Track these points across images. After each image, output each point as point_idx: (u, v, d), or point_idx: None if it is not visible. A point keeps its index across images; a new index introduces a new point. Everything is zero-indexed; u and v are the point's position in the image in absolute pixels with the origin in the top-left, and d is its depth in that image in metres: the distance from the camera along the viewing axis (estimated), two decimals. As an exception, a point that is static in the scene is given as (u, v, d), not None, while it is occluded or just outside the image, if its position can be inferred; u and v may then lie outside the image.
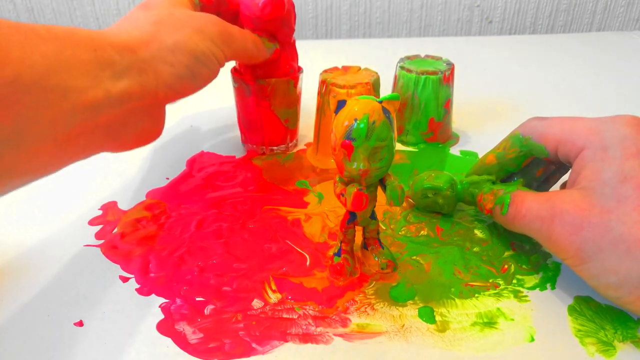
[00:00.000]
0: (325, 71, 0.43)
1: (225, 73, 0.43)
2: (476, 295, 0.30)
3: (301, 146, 0.46)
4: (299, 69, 0.43)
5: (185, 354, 0.26)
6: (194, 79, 0.31)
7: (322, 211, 0.37)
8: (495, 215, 0.32)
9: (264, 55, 0.39)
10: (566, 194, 0.28)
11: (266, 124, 0.43)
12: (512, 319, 0.28)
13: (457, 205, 0.37)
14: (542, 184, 0.35)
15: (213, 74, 0.33)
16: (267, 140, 0.44)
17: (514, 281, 0.31)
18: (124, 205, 0.38)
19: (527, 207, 0.29)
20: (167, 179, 0.41)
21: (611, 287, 0.26)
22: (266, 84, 0.40)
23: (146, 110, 0.30)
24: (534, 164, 0.34)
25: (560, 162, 0.32)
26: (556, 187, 0.35)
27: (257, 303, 0.29)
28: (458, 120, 0.50)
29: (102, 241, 0.34)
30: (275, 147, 0.44)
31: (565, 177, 0.33)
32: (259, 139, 0.44)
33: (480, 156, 0.44)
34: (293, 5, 0.39)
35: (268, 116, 0.42)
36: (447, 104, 0.45)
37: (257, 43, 0.37)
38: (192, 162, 0.44)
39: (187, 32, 0.31)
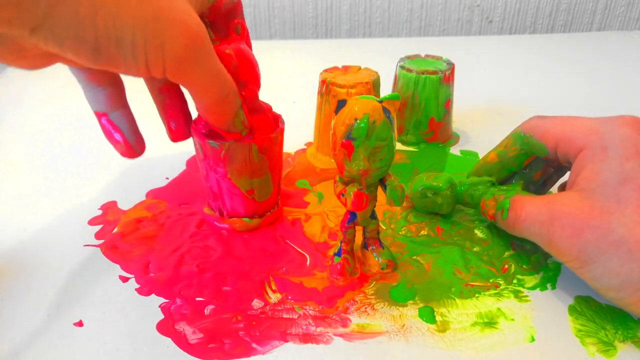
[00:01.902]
0: (325, 71, 0.43)
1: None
2: (476, 295, 0.30)
3: (301, 146, 0.46)
4: (272, 132, 0.32)
5: (185, 354, 0.26)
6: (94, 58, 0.22)
7: (322, 211, 0.37)
8: (497, 220, 0.32)
9: (225, 120, 0.29)
10: (565, 196, 0.28)
11: (225, 193, 0.34)
12: (513, 319, 0.28)
13: (457, 206, 0.37)
14: (540, 187, 0.35)
15: (125, 72, 0.24)
16: (227, 211, 0.35)
17: (515, 281, 0.31)
18: (124, 205, 0.38)
19: (527, 211, 0.29)
20: (167, 179, 0.41)
21: (613, 289, 0.26)
22: (219, 147, 0.31)
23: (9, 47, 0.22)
24: (533, 166, 0.34)
25: (558, 164, 0.32)
26: (554, 188, 0.35)
27: (257, 303, 0.29)
28: (458, 120, 0.50)
29: (102, 241, 0.34)
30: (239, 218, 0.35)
31: (564, 179, 0.33)
32: (217, 206, 0.35)
33: (480, 156, 0.44)
34: (249, 61, 0.30)
35: (226, 185, 0.33)
36: (447, 104, 0.45)
37: (229, 97, 0.28)
38: (192, 162, 0.44)
39: (144, 11, 0.22)
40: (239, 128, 0.30)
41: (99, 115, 0.29)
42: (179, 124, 0.32)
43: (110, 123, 0.29)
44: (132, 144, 0.30)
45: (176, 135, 0.32)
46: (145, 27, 0.22)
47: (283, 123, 0.34)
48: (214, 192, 0.34)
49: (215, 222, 0.35)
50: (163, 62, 0.23)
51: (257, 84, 0.31)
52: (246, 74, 0.30)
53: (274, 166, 0.34)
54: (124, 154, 0.30)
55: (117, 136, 0.29)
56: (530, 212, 0.29)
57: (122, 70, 0.23)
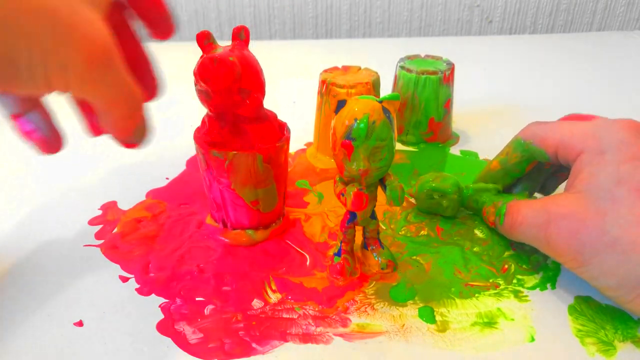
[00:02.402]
0: (325, 71, 0.43)
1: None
2: (476, 295, 0.30)
3: (301, 146, 0.46)
4: (277, 141, 0.32)
5: (185, 354, 0.26)
6: None
7: (322, 211, 0.37)
8: (497, 227, 0.32)
9: (128, 134, 0.26)
10: (561, 198, 0.28)
11: (228, 205, 0.33)
12: (512, 319, 0.28)
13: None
14: (551, 181, 0.35)
15: (24, 93, 0.22)
16: (231, 223, 0.34)
17: (514, 281, 0.31)
18: (124, 205, 0.38)
19: (523, 214, 0.30)
20: (167, 179, 0.41)
21: (610, 288, 0.26)
22: (223, 157, 0.30)
23: None
24: (538, 169, 0.34)
25: (561, 165, 0.32)
26: (560, 189, 0.35)
27: (257, 303, 0.29)
28: (458, 120, 0.50)
29: (102, 241, 0.34)
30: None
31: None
32: (220, 217, 0.34)
33: (480, 156, 0.44)
34: (253, 68, 0.30)
35: (229, 195, 0.32)
36: (447, 104, 0.45)
37: (138, 113, 0.25)
38: (192, 162, 0.44)
39: (40, 27, 0.20)
40: (139, 139, 0.27)
41: (13, 117, 0.26)
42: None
43: (25, 124, 0.27)
44: (48, 140, 0.27)
45: (97, 129, 0.28)
46: (42, 46, 0.20)
47: (289, 131, 0.33)
48: (217, 203, 0.33)
49: (218, 235, 0.34)
50: (66, 82, 0.21)
51: (261, 91, 0.30)
52: (250, 82, 0.29)
53: (279, 176, 0.33)
54: (44, 151, 0.27)
55: (34, 135, 0.27)
56: (526, 216, 0.29)
57: (21, 92, 0.21)
